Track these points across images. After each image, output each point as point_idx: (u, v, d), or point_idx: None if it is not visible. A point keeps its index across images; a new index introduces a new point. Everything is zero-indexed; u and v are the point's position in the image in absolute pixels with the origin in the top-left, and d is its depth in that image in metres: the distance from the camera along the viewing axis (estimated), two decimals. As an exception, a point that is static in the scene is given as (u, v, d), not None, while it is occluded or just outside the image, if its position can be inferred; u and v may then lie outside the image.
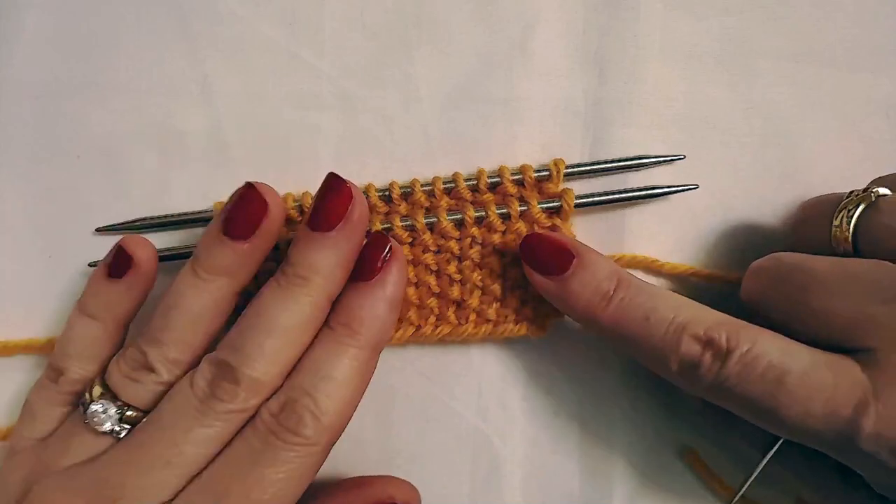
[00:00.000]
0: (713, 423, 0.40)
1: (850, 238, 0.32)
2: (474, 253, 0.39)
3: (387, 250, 0.33)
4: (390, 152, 0.40)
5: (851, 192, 0.34)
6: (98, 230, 0.40)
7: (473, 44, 0.41)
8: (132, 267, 0.35)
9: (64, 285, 0.40)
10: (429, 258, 0.39)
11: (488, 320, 0.39)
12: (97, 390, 0.33)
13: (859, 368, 0.29)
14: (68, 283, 0.40)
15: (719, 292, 0.40)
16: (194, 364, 0.33)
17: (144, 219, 0.40)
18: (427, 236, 0.38)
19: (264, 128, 0.40)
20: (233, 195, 0.34)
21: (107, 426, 0.32)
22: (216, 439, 0.31)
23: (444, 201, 0.39)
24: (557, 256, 0.35)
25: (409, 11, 0.41)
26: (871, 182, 0.35)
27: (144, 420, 0.33)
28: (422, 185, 0.39)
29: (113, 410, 0.32)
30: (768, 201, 0.41)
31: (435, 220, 0.38)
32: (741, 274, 0.37)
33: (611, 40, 0.41)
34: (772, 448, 0.36)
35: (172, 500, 0.31)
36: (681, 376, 0.32)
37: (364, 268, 0.33)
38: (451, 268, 0.39)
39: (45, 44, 0.41)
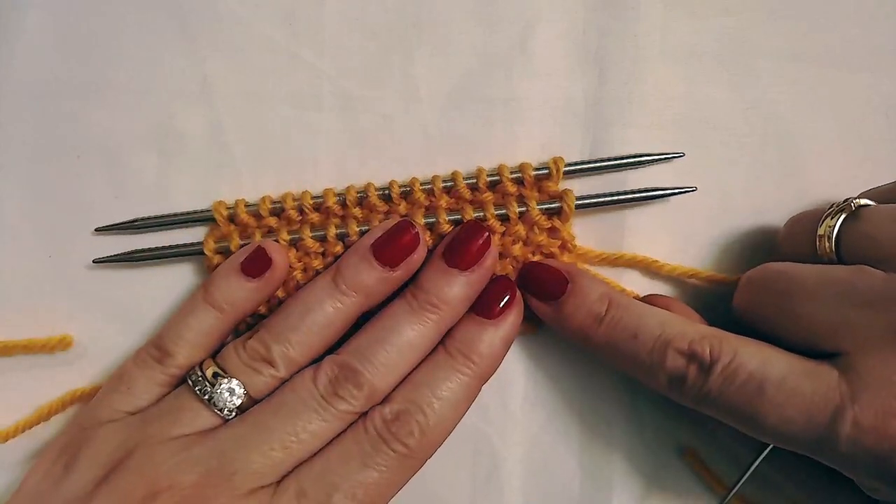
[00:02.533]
0: (711, 423, 0.40)
1: (832, 247, 0.33)
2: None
3: (508, 294, 0.37)
4: (390, 152, 0.40)
5: (832, 204, 0.35)
6: (98, 230, 0.40)
7: (473, 44, 0.41)
8: (270, 269, 0.36)
9: (64, 285, 0.40)
10: (429, 258, 0.39)
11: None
12: (212, 370, 0.35)
13: (837, 374, 0.30)
14: (68, 283, 0.40)
15: (719, 294, 0.40)
16: (303, 368, 0.35)
17: (144, 219, 0.40)
18: (427, 236, 0.38)
19: (264, 128, 0.40)
20: (387, 223, 0.38)
21: (229, 405, 0.34)
22: (328, 434, 0.34)
23: (444, 200, 0.39)
24: (552, 283, 0.37)
25: (409, 11, 0.41)
26: (859, 195, 0.35)
27: (260, 404, 0.34)
28: (421, 184, 0.39)
29: (241, 391, 0.34)
30: (768, 201, 0.41)
31: (434, 220, 0.38)
32: (740, 275, 0.37)
33: (611, 40, 0.41)
34: (763, 451, 0.36)
35: (281, 482, 0.33)
36: (670, 390, 0.34)
37: (488, 305, 0.37)
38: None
39: (45, 44, 0.41)
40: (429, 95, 0.41)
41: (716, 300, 0.40)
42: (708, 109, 0.41)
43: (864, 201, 0.34)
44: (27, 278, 0.40)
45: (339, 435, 0.34)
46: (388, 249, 0.36)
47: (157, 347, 0.36)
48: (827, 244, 0.34)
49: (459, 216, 0.38)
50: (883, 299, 0.30)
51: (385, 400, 0.35)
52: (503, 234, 0.38)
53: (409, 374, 0.35)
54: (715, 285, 0.40)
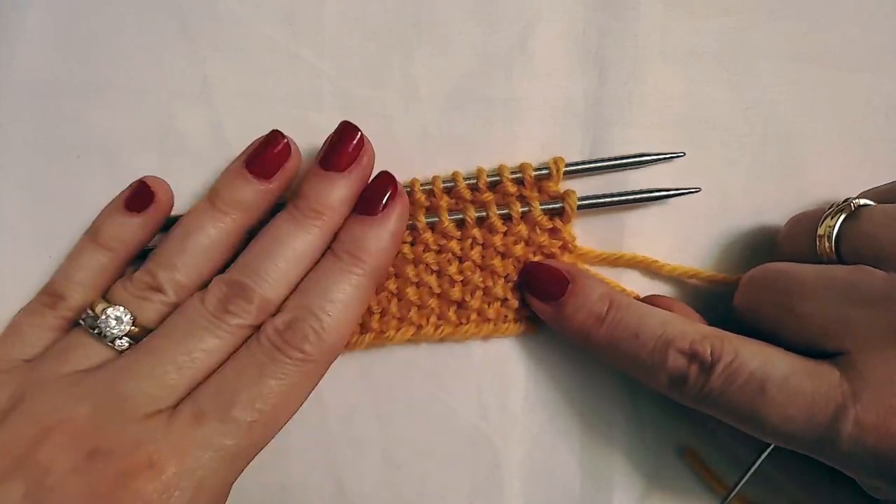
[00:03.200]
0: (711, 423, 0.40)
1: (832, 247, 0.34)
2: (475, 254, 0.39)
3: (390, 189, 0.36)
4: (390, 152, 0.40)
5: (832, 204, 0.35)
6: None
7: (473, 44, 0.41)
8: (153, 203, 0.37)
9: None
10: (430, 257, 0.39)
11: (489, 320, 0.39)
12: (101, 306, 0.35)
13: (838, 373, 0.30)
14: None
15: (719, 294, 0.40)
16: (194, 291, 0.35)
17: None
18: (428, 235, 0.38)
19: (264, 128, 0.40)
20: (258, 139, 0.37)
21: (116, 332, 0.34)
22: (224, 350, 0.34)
23: (444, 201, 0.39)
24: (553, 283, 0.37)
25: (409, 11, 0.41)
26: (859, 195, 0.35)
27: (152, 332, 0.34)
28: (421, 185, 0.39)
29: (127, 318, 0.34)
30: (768, 201, 0.41)
31: (436, 219, 0.38)
32: (741, 275, 0.37)
33: (611, 40, 0.41)
34: (764, 450, 0.36)
35: (178, 405, 0.33)
36: (670, 390, 0.34)
37: (370, 204, 0.36)
38: (453, 268, 0.39)
39: (45, 44, 0.41)
40: (429, 95, 0.41)
41: (716, 300, 0.40)
42: (708, 109, 0.41)
43: (863, 201, 0.34)
44: (27, 278, 0.40)
45: (235, 352, 0.34)
46: (261, 161, 0.36)
47: (47, 293, 0.37)
48: (827, 244, 0.34)
49: (461, 216, 0.38)
50: (883, 299, 0.30)
51: (278, 311, 0.35)
52: (505, 233, 0.38)
53: (301, 282, 0.35)
54: (715, 285, 0.40)
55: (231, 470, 0.33)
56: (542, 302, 0.38)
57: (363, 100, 0.41)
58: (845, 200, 0.34)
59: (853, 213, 0.33)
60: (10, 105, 0.40)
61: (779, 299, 0.33)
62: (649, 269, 0.40)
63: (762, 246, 0.40)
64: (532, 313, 0.39)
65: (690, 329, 0.34)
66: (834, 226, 0.33)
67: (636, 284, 0.41)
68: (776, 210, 0.40)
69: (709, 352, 0.32)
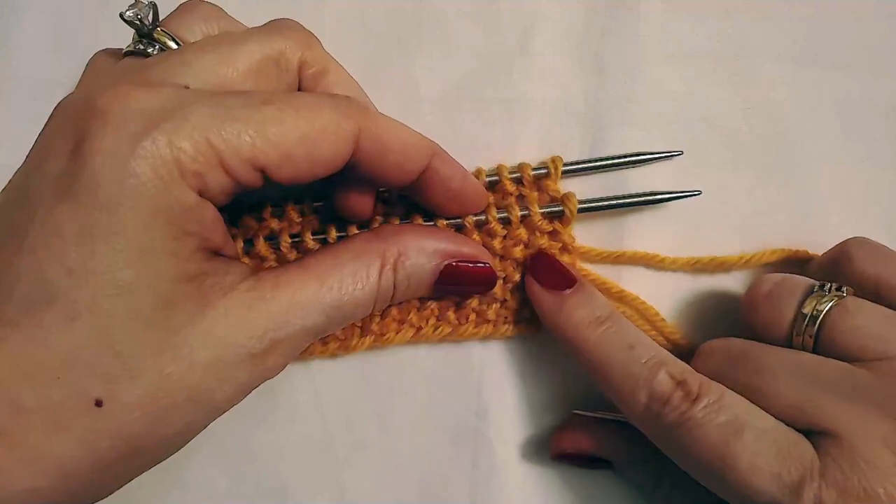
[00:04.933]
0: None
1: (814, 333, 0.33)
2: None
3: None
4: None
5: (821, 283, 0.34)
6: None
7: (473, 44, 0.41)
8: None
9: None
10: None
11: (488, 320, 0.39)
12: None
13: (811, 446, 0.30)
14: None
15: (720, 288, 0.40)
16: None
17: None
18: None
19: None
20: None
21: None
22: None
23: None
24: (562, 276, 0.37)
25: (409, 11, 0.41)
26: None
27: None
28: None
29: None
30: (768, 201, 0.41)
31: (432, 223, 0.38)
32: (743, 255, 0.38)
33: (611, 40, 0.41)
34: None
35: None
36: (646, 409, 0.33)
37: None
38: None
39: (45, 44, 0.41)
40: (429, 95, 0.41)
41: (717, 300, 0.40)
42: (708, 109, 0.41)
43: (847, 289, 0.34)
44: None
45: None
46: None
47: None
48: (810, 325, 0.33)
49: (459, 220, 0.38)
50: (853, 393, 0.30)
51: None
52: (504, 237, 0.38)
53: None
54: (717, 277, 0.40)
55: None
56: (546, 290, 0.37)
57: (363, 100, 0.41)
58: (839, 287, 0.34)
59: (841, 301, 0.33)
60: (10, 105, 0.40)
61: (745, 377, 0.33)
62: (650, 263, 0.40)
63: (762, 246, 0.40)
64: (532, 315, 0.39)
65: (683, 363, 0.34)
66: (822, 310, 0.33)
67: (638, 282, 0.40)
68: (776, 210, 0.41)
69: (697, 385, 0.32)
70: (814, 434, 0.31)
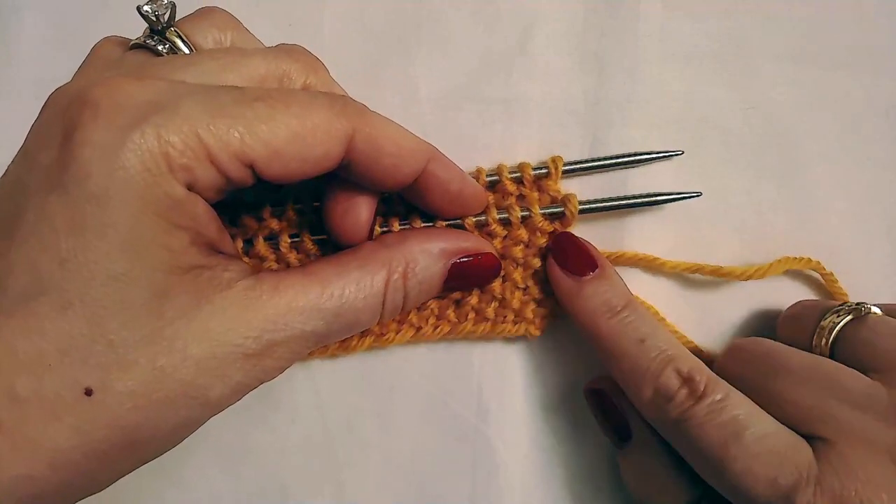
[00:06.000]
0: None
1: (829, 343, 0.35)
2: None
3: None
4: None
5: (845, 303, 0.36)
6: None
7: (473, 44, 0.41)
8: None
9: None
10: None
11: (486, 319, 0.39)
12: None
13: (811, 452, 0.31)
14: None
15: (721, 290, 0.40)
16: None
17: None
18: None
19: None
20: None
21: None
22: None
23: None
24: (585, 260, 0.37)
25: (409, 11, 0.41)
26: (875, 304, 0.36)
27: None
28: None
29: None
30: (768, 201, 0.41)
31: (432, 224, 0.38)
32: (745, 268, 0.38)
33: (611, 40, 0.41)
34: None
35: None
36: (651, 403, 0.34)
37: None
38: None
39: (44, 44, 0.41)
40: (429, 95, 0.41)
41: (716, 300, 0.40)
42: (708, 109, 0.41)
43: (875, 309, 0.35)
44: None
45: None
46: None
47: None
48: (825, 338, 0.35)
49: (459, 220, 0.38)
50: (864, 401, 0.31)
51: None
52: (505, 237, 0.38)
53: None
54: (718, 281, 0.40)
55: None
56: (566, 273, 0.37)
57: (363, 100, 0.40)
58: (858, 304, 0.35)
59: (861, 318, 0.34)
60: (10, 105, 0.40)
61: (763, 377, 0.34)
62: (650, 266, 0.40)
63: (761, 246, 0.40)
64: (530, 315, 0.39)
65: (693, 358, 0.34)
66: (838, 323, 0.34)
67: (637, 283, 0.40)
68: (776, 210, 0.41)
69: (703, 384, 0.33)
70: (816, 440, 0.31)
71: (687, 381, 0.33)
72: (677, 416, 0.33)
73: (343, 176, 0.32)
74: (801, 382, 0.32)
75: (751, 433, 0.31)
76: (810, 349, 0.35)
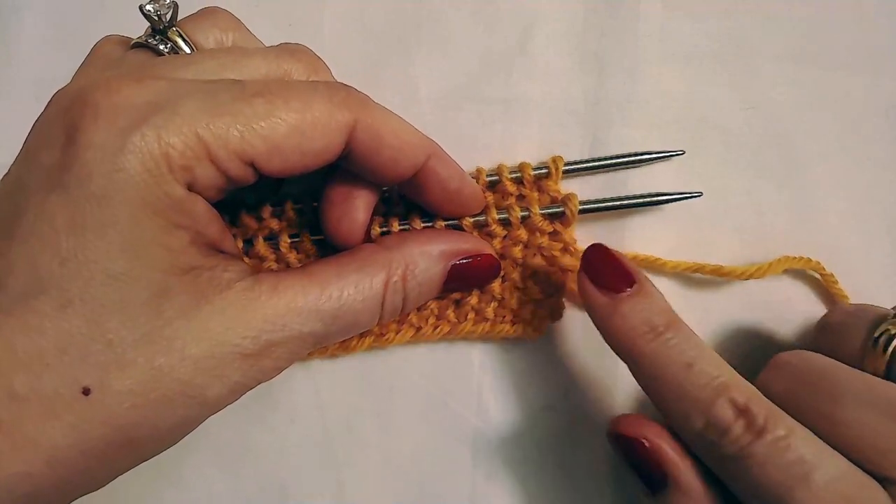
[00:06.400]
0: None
1: (887, 360, 0.31)
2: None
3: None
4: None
5: (894, 308, 0.33)
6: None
7: (473, 44, 0.41)
8: None
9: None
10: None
11: (486, 319, 0.39)
12: None
13: (887, 496, 0.28)
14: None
15: (720, 290, 0.40)
16: None
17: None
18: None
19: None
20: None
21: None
22: None
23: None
24: (620, 275, 0.34)
25: (409, 12, 0.41)
26: None
27: None
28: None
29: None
30: (768, 201, 0.41)
31: (431, 223, 0.38)
32: (746, 267, 0.38)
33: (611, 40, 0.41)
34: None
35: None
36: (702, 436, 0.31)
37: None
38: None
39: (44, 44, 0.41)
40: (429, 95, 0.41)
41: (716, 300, 0.40)
42: (708, 109, 0.41)
43: None
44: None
45: None
46: None
47: None
48: (881, 353, 0.31)
49: (458, 220, 0.38)
50: None
51: None
52: (504, 237, 0.38)
53: None
54: (718, 281, 0.40)
55: None
56: (600, 290, 0.34)
57: (363, 100, 0.41)
58: None
59: None
60: (10, 105, 0.40)
61: (821, 402, 0.30)
62: (651, 267, 0.40)
63: (761, 246, 0.40)
64: (529, 316, 0.39)
65: (748, 385, 0.31)
66: (895, 335, 0.31)
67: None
68: (776, 210, 0.40)
69: (763, 416, 0.29)
70: (888, 482, 0.28)
71: (743, 412, 0.30)
72: (734, 453, 0.29)
73: (343, 166, 0.31)
74: (864, 409, 0.29)
75: (820, 476, 0.28)
76: (860, 363, 0.32)
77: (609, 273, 0.34)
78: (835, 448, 0.29)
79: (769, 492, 0.29)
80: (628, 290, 0.33)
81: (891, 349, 0.31)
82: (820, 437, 0.30)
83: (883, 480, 0.28)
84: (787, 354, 0.33)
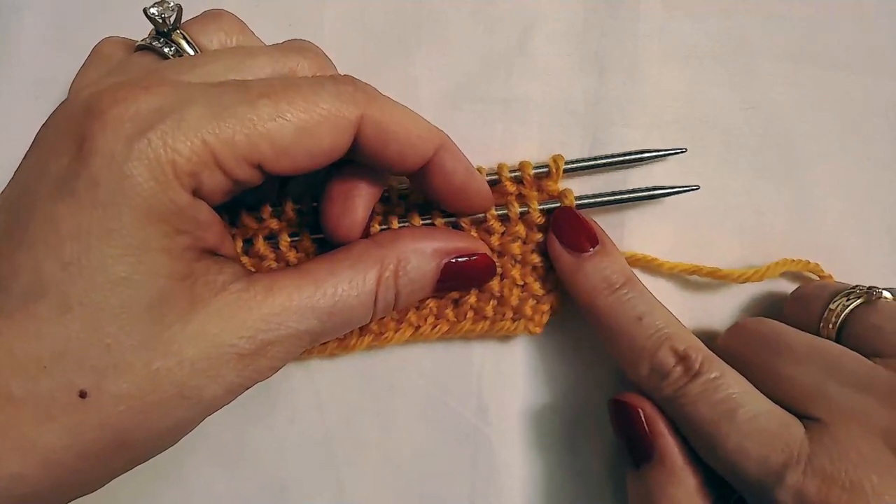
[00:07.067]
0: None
1: (837, 325, 0.34)
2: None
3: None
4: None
5: (857, 286, 0.35)
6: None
7: (473, 44, 0.41)
8: None
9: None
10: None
11: (485, 317, 0.39)
12: None
13: (804, 431, 0.31)
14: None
15: (719, 291, 0.40)
16: None
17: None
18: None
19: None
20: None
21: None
22: None
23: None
24: (585, 236, 0.37)
25: (409, 11, 0.41)
26: (886, 288, 0.35)
27: None
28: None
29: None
30: (768, 201, 0.41)
31: (430, 221, 0.38)
32: (743, 270, 0.38)
33: (611, 40, 0.41)
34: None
35: None
36: (647, 380, 0.34)
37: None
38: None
39: (44, 44, 0.41)
40: (429, 95, 0.41)
41: (715, 300, 0.40)
42: (708, 109, 0.41)
43: (886, 294, 0.34)
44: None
45: None
46: None
47: None
48: (833, 320, 0.34)
49: (458, 218, 0.38)
50: (865, 384, 0.31)
51: None
52: (503, 233, 0.38)
53: None
54: (716, 282, 0.40)
55: None
56: (567, 250, 0.37)
57: (363, 100, 0.41)
58: (870, 288, 0.35)
59: (871, 302, 0.34)
60: (10, 105, 0.40)
61: (765, 356, 0.34)
62: (648, 267, 0.40)
63: (761, 246, 0.40)
64: (529, 312, 0.39)
65: (690, 336, 0.34)
66: (848, 306, 0.34)
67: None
68: (776, 210, 0.41)
69: (699, 362, 0.33)
70: (811, 420, 0.31)
71: (682, 358, 0.33)
72: (671, 394, 0.33)
73: (350, 158, 0.31)
74: (799, 362, 0.33)
75: (744, 411, 0.31)
76: (817, 331, 0.35)
77: (575, 234, 0.37)
78: (773, 395, 0.32)
79: (701, 428, 0.32)
80: (591, 249, 0.37)
81: (842, 317, 0.34)
82: (762, 387, 0.33)
83: (806, 419, 0.31)
84: (746, 320, 0.37)
